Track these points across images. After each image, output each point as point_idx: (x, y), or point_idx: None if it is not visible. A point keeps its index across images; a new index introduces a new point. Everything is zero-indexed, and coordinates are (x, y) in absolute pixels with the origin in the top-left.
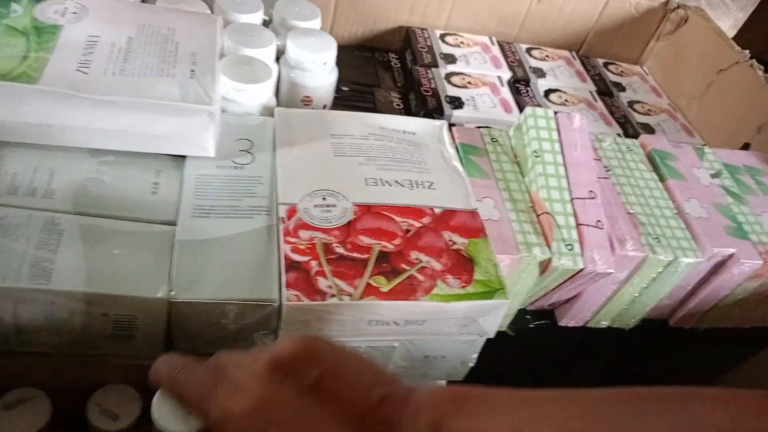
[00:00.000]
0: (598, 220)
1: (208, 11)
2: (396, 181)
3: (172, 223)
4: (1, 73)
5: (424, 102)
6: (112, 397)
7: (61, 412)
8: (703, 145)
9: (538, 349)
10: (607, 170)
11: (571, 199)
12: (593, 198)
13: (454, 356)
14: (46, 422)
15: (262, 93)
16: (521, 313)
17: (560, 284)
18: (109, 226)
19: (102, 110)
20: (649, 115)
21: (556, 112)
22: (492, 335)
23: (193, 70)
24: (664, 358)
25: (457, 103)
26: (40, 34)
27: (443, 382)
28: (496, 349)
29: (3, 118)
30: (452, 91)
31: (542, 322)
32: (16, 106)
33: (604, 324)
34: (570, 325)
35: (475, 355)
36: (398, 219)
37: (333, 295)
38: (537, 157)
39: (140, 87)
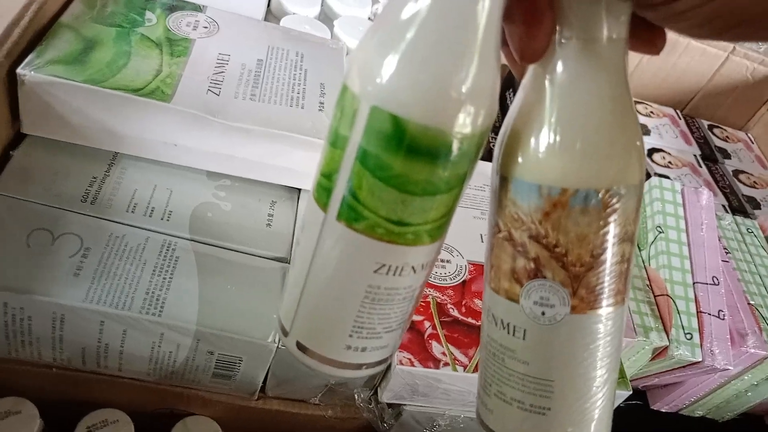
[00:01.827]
0: (720, 310)
1: (329, 34)
2: None
3: (285, 260)
4: (137, 86)
5: None
6: (193, 428)
7: None
8: None
9: (624, 430)
10: (727, 253)
11: (694, 283)
12: (716, 285)
13: None
14: None
15: None
16: None
17: (667, 371)
18: (223, 257)
19: (232, 136)
20: (755, 187)
21: (683, 185)
22: None
23: (322, 103)
24: None
25: None
26: (172, 47)
27: None
28: None
29: (131, 132)
30: None
31: (633, 402)
32: (147, 122)
33: (699, 413)
34: (663, 410)
35: None
36: None
37: (447, 364)
38: (660, 232)
39: (271, 116)
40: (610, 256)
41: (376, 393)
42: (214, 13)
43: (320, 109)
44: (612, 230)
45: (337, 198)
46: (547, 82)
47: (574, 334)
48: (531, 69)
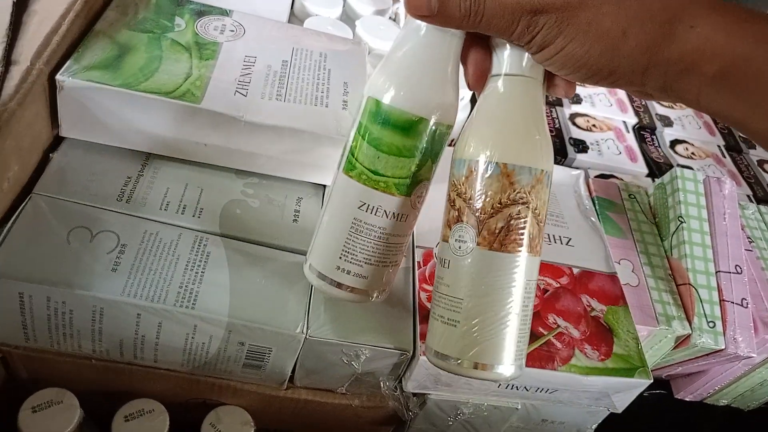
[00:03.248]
0: (744, 298)
1: (351, 35)
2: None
3: None
4: (168, 89)
5: None
6: (225, 418)
7: (175, 427)
8: None
9: (649, 419)
10: (751, 242)
11: (716, 272)
12: (739, 273)
13: (572, 424)
14: None
15: None
16: None
17: (691, 359)
18: (252, 252)
19: (259, 135)
20: None
21: (706, 175)
22: (620, 411)
23: (345, 101)
24: None
25: (581, 146)
26: (201, 51)
27: None
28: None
29: (163, 133)
30: (576, 134)
31: (657, 391)
32: (178, 124)
33: (724, 402)
34: (687, 398)
35: (595, 426)
36: None
37: None
38: (682, 222)
39: (296, 115)
40: (506, 210)
41: (401, 382)
42: (240, 16)
43: (344, 107)
44: (507, 192)
45: (344, 156)
46: (482, 99)
47: (477, 263)
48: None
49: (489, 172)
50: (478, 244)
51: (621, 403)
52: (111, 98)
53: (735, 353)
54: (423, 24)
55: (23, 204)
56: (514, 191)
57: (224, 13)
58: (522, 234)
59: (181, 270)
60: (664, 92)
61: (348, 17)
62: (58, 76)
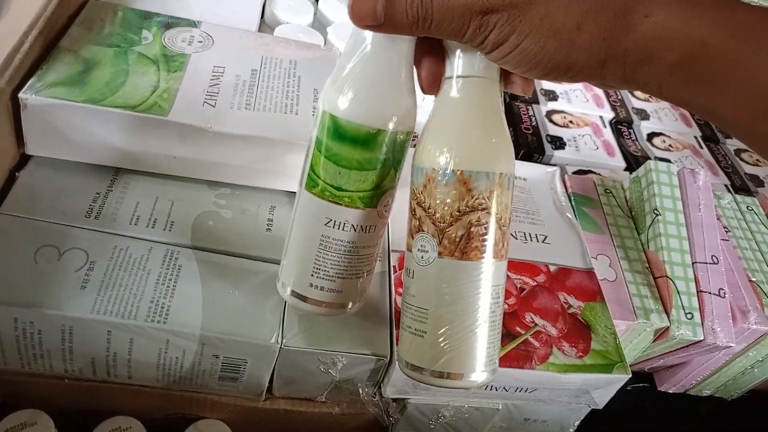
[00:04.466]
0: (721, 288)
1: (323, 42)
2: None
3: None
4: (135, 103)
5: (524, 140)
6: (205, 431)
7: None
8: None
9: (632, 413)
10: (727, 231)
11: (693, 263)
12: (716, 263)
13: (555, 421)
14: None
15: None
16: None
17: (671, 351)
18: (225, 263)
19: (227, 144)
20: (759, 165)
21: (679, 168)
22: (600, 407)
23: (315, 107)
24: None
25: (558, 143)
26: (169, 63)
27: None
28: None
29: (131, 148)
30: (553, 130)
31: (640, 385)
32: (146, 137)
33: (707, 393)
34: (670, 390)
35: (577, 422)
36: (512, 275)
37: None
38: (657, 215)
39: (265, 123)
40: (465, 217)
41: (380, 388)
42: (209, 27)
43: (314, 114)
44: (465, 199)
45: (305, 174)
46: (436, 103)
47: (440, 273)
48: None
49: (445, 180)
50: (439, 253)
51: (601, 399)
52: (76, 114)
53: (714, 344)
54: (370, 32)
55: None
56: (473, 198)
57: (192, 24)
58: (484, 240)
59: (152, 284)
60: (626, 83)
61: (320, 24)
62: (21, 94)
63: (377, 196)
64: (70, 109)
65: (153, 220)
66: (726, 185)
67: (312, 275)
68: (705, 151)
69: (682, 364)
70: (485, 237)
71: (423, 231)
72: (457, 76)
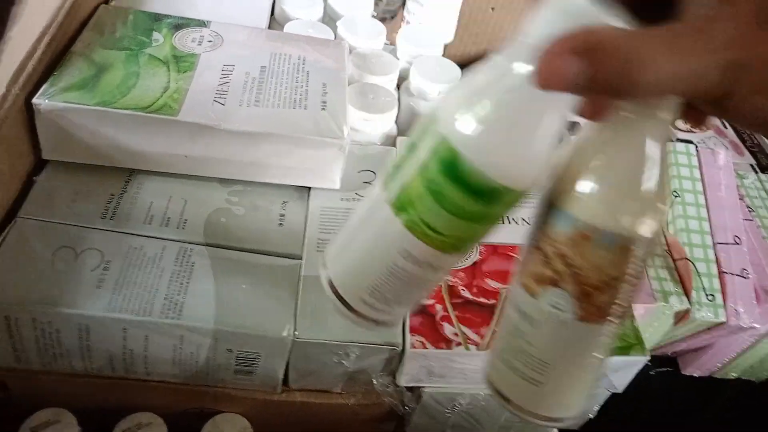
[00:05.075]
0: (744, 269)
1: (332, 37)
2: (523, 219)
3: (298, 257)
4: (145, 104)
5: None
6: (223, 426)
7: None
8: None
9: (657, 398)
10: (751, 211)
11: (714, 245)
12: (738, 244)
13: None
14: None
15: (386, 122)
16: None
17: (693, 334)
18: (238, 259)
19: (237, 141)
20: None
21: (697, 147)
22: (620, 390)
23: (324, 101)
24: None
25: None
26: (179, 63)
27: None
28: (613, 395)
29: (144, 149)
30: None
31: (664, 369)
32: (157, 137)
33: (733, 375)
34: (695, 374)
35: (597, 408)
36: None
37: (459, 344)
38: (677, 197)
39: (274, 118)
40: (617, 287)
41: (395, 378)
42: (218, 26)
43: (323, 108)
44: (623, 266)
45: (395, 187)
46: (600, 138)
47: (575, 336)
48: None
49: (607, 244)
50: (579, 318)
51: (620, 382)
52: (89, 118)
53: (738, 325)
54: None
55: (7, 229)
56: (631, 265)
57: (202, 24)
58: (626, 306)
59: (166, 282)
60: None
61: (329, 18)
62: (34, 100)
63: (472, 246)
64: (82, 113)
65: (166, 218)
66: (752, 165)
67: (368, 294)
68: (729, 131)
69: (706, 347)
70: (628, 303)
71: (560, 288)
72: (633, 114)
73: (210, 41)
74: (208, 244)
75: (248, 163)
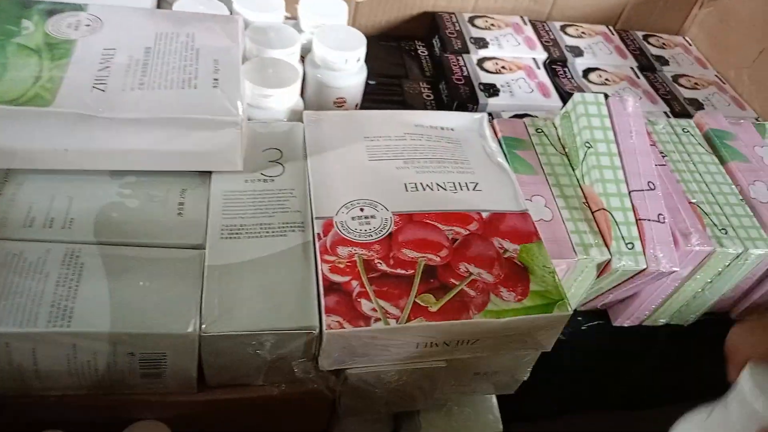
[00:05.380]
0: (660, 214)
1: (227, 12)
2: (438, 185)
3: (201, 247)
4: (12, 97)
5: (456, 91)
6: None
7: None
8: (756, 118)
9: (591, 351)
10: (664, 156)
11: (629, 192)
12: (653, 189)
13: (506, 372)
14: None
15: (290, 97)
16: (573, 314)
17: (618, 284)
18: (133, 255)
19: (122, 129)
20: (697, 89)
21: (607, 97)
22: (549, 349)
23: (216, 79)
24: None
25: (492, 90)
26: (53, 51)
27: (493, 398)
28: (546, 353)
29: (17, 145)
30: (486, 78)
31: (595, 323)
32: (30, 132)
33: (662, 321)
34: (625, 324)
35: (529, 369)
36: (443, 227)
37: (378, 319)
38: (589, 147)
39: (161, 101)
40: None
41: (317, 362)
42: (97, 9)
43: (215, 86)
44: None
45: None
46: None
47: None
48: None
49: None
50: None
51: (547, 340)
52: None
53: (658, 270)
54: None
55: None
56: None
57: (79, 8)
58: None
59: (52, 287)
60: None
61: None
62: None
63: None
64: None
65: (50, 219)
66: (665, 112)
67: None
68: (642, 80)
69: (632, 297)
70: None
71: None
72: None
73: (88, 25)
74: (99, 243)
75: (138, 152)
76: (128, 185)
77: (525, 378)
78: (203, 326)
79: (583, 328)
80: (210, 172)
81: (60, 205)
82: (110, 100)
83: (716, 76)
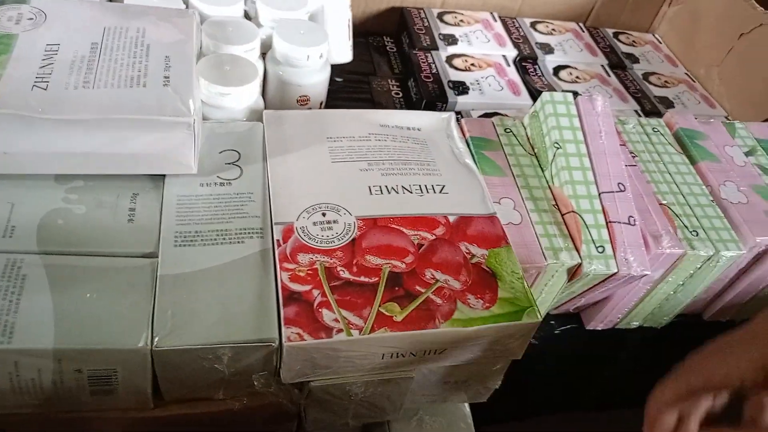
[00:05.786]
0: (630, 216)
1: (182, 6)
2: (403, 188)
3: (153, 255)
4: None
5: (425, 89)
6: None
7: None
8: (726, 117)
9: (564, 355)
10: (634, 156)
11: (599, 194)
12: (623, 191)
13: (477, 381)
14: None
15: (249, 95)
16: (545, 318)
17: (590, 288)
18: (80, 265)
19: (66, 131)
20: (667, 87)
21: (575, 95)
22: (520, 356)
23: (167, 77)
24: None
25: (461, 88)
26: None
27: (466, 406)
28: (519, 361)
29: None
30: (455, 76)
31: (568, 326)
32: None
33: (635, 324)
34: (599, 327)
35: (501, 377)
36: (408, 232)
37: (340, 330)
38: (558, 148)
39: (108, 101)
40: None
41: (279, 375)
42: (41, 2)
43: (165, 84)
44: None
45: None
46: None
47: None
48: None
49: None
50: None
51: (517, 348)
52: None
53: (629, 274)
54: None
55: None
56: None
57: (20, 0)
58: None
59: None
60: None
61: None
62: None
63: None
64: None
65: None
66: (636, 110)
67: None
68: (613, 78)
69: (605, 300)
70: None
71: None
72: None
73: (30, 19)
74: (42, 252)
75: (84, 155)
76: (75, 190)
77: (497, 386)
78: (155, 340)
79: (556, 332)
80: (163, 176)
81: (1, 213)
82: (52, 100)
83: (686, 74)
